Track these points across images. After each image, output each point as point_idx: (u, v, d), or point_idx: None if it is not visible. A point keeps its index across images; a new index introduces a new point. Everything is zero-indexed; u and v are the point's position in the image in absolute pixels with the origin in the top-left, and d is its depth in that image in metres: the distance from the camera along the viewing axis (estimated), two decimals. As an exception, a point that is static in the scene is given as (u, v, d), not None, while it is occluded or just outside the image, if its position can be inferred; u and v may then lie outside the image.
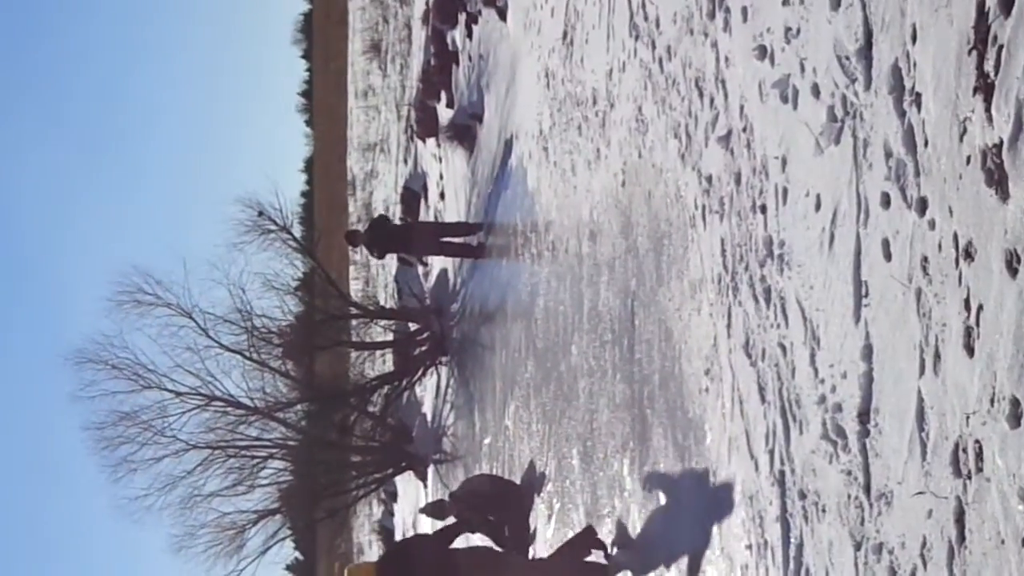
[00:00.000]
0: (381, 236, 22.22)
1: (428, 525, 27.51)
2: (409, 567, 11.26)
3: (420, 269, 35.07)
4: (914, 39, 5.07)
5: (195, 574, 31.27)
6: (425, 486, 29.53)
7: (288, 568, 61.17)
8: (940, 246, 4.75)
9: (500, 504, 15.23)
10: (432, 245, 24.26)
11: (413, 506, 31.89)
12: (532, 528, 14.39)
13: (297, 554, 64.49)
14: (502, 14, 23.23)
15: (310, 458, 31.38)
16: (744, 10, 7.79)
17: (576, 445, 12.29)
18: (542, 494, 13.89)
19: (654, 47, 10.47)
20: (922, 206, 4.92)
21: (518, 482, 15.37)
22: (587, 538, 10.90)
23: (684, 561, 8.41)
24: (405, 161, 41.91)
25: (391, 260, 42.60)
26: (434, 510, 17.41)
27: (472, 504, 15.84)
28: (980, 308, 4.42)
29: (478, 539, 14.15)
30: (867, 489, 5.41)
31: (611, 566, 10.28)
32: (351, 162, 66.75)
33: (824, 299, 6.03)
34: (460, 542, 12.91)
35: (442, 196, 31.70)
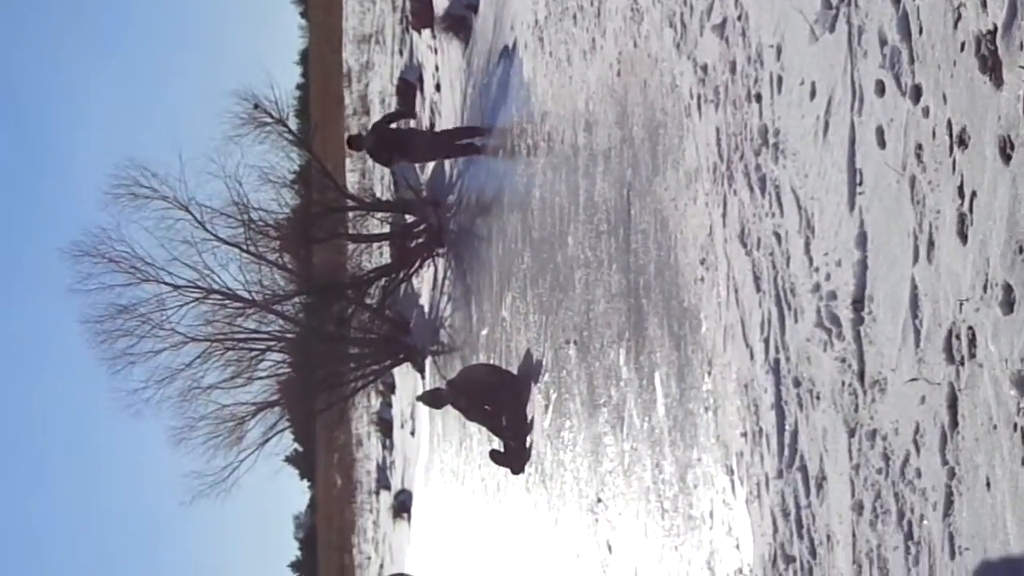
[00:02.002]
0: (383, 143, 22.07)
1: (426, 415, 27.76)
2: None
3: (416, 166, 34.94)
4: (910, -76, 5.03)
5: (195, 465, 31.55)
6: (423, 378, 29.72)
7: (287, 459, 61.73)
8: (934, 133, 4.74)
9: (497, 393, 15.36)
10: (433, 151, 24.17)
11: (411, 397, 32.11)
12: (529, 418, 14.51)
13: (296, 446, 65.12)
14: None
15: (308, 350, 31.52)
16: None
17: (573, 336, 12.35)
18: (539, 384, 13.98)
19: (649, -66, 10.37)
20: (916, 93, 4.91)
21: (515, 372, 15.48)
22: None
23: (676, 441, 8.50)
24: (401, 53, 41.58)
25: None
26: (431, 398, 17.57)
27: (469, 392, 15.99)
28: (974, 195, 4.42)
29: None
30: (861, 376, 5.45)
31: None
32: (346, 54, 66.20)
33: (819, 187, 6.03)
34: None
35: (438, 88, 31.50)
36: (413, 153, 23.57)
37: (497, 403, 15.30)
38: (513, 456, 14.90)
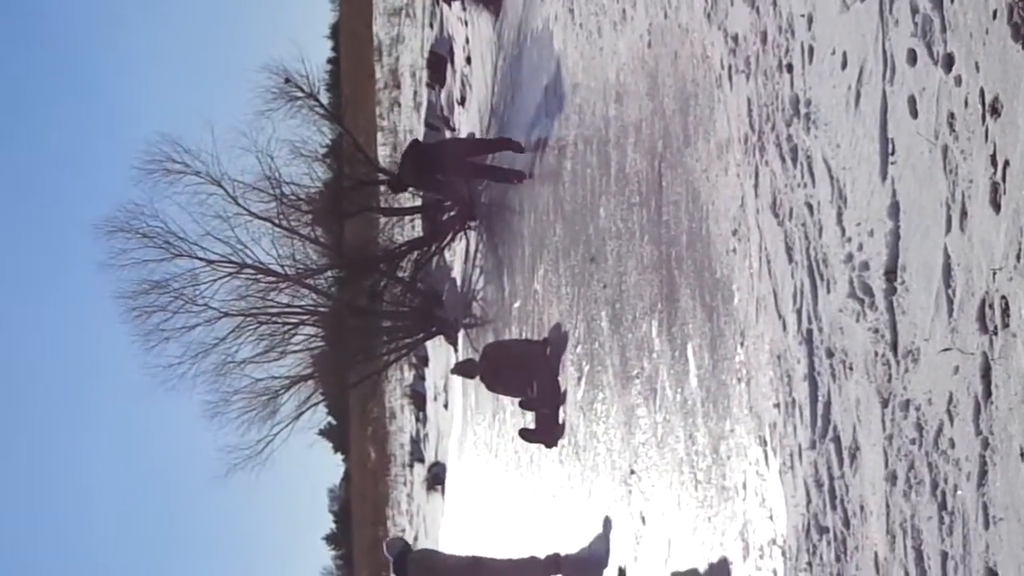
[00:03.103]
0: (419, 165, 21.27)
1: (459, 387, 27.80)
2: None
3: (447, 134, 34.94)
4: None
5: (230, 439, 31.70)
6: (456, 351, 29.78)
7: (321, 433, 61.90)
8: (966, 102, 4.71)
9: (530, 365, 15.38)
10: (469, 171, 22.97)
11: (444, 371, 32.18)
12: (562, 390, 14.51)
13: (330, 419, 65.30)
14: None
15: (341, 324, 31.57)
16: None
17: (605, 308, 12.35)
18: (572, 356, 13.98)
19: (679, -96, 10.31)
20: (948, 62, 4.88)
21: (548, 344, 15.49)
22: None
23: (712, 421, 8.50)
24: (431, 25, 41.54)
25: (418, 126, 42.50)
26: (464, 368, 17.61)
27: (500, 364, 16.02)
28: (1007, 164, 4.40)
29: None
30: (894, 346, 5.43)
31: None
32: (377, 27, 66.10)
33: (851, 157, 6.01)
34: None
35: (468, 61, 31.49)
36: (448, 167, 22.33)
37: (530, 375, 15.32)
38: (545, 431, 14.91)
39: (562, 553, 13.19)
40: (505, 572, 13.38)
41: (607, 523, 11.55)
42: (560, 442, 14.35)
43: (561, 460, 14.21)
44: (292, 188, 29.73)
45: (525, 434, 15.53)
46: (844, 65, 6.11)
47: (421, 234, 32.59)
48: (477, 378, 17.44)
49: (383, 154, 49.36)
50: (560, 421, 14.46)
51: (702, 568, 8.55)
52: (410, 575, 13.33)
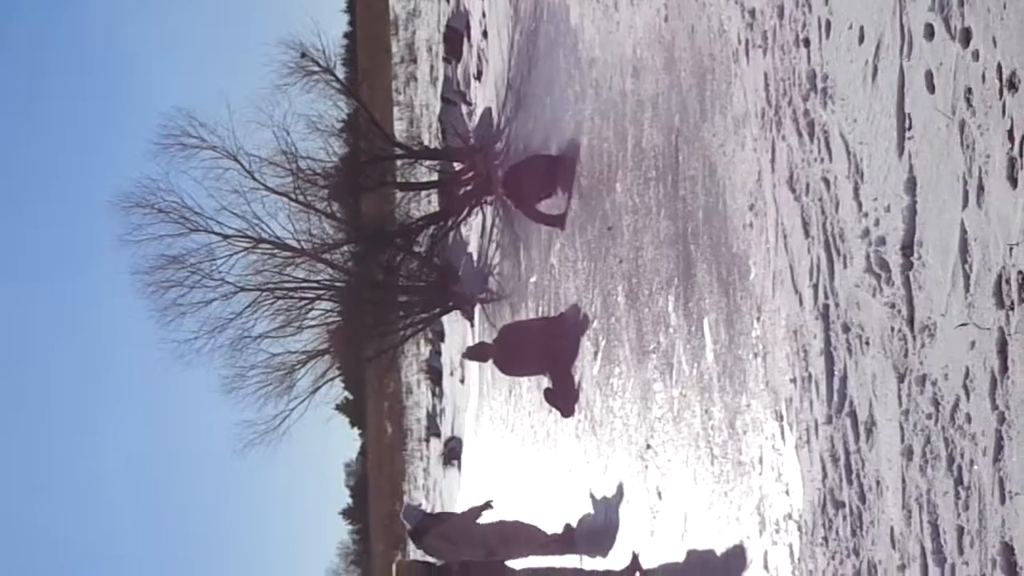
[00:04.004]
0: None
1: (475, 364, 27.79)
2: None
3: (464, 108, 34.93)
4: None
5: (247, 414, 31.82)
6: (472, 325, 29.80)
7: (338, 408, 62.10)
8: (984, 77, 4.70)
9: (546, 340, 15.39)
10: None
11: (460, 345, 32.20)
12: (577, 380, 14.50)
13: (347, 394, 65.44)
14: None
15: (357, 299, 31.64)
16: None
17: (621, 282, 12.35)
18: (588, 331, 13.99)
19: None
20: (966, 37, 4.86)
21: (564, 319, 15.49)
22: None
23: (728, 396, 8.50)
24: (447, 0, 41.48)
25: (435, 101, 42.47)
26: (476, 353, 17.62)
27: (514, 345, 16.02)
28: (1024, 139, 4.40)
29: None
30: (910, 321, 5.43)
31: None
32: (393, 1, 66.13)
33: (868, 132, 6.00)
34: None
35: (484, 35, 31.41)
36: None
37: (546, 351, 15.33)
38: (562, 397, 14.91)
39: (573, 525, 13.25)
40: (525, 541, 13.38)
41: (619, 490, 11.58)
42: (577, 416, 14.36)
43: (577, 435, 14.23)
44: (308, 163, 29.81)
45: (547, 393, 15.52)
46: (861, 39, 6.09)
47: (437, 209, 32.61)
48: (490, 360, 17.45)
49: (399, 129, 49.39)
50: (576, 386, 14.45)
51: (718, 542, 8.57)
52: (426, 544, 13.39)
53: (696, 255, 9.60)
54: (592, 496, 12.63)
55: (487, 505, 13.61)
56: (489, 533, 13.11)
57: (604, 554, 11.92)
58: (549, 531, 13.38)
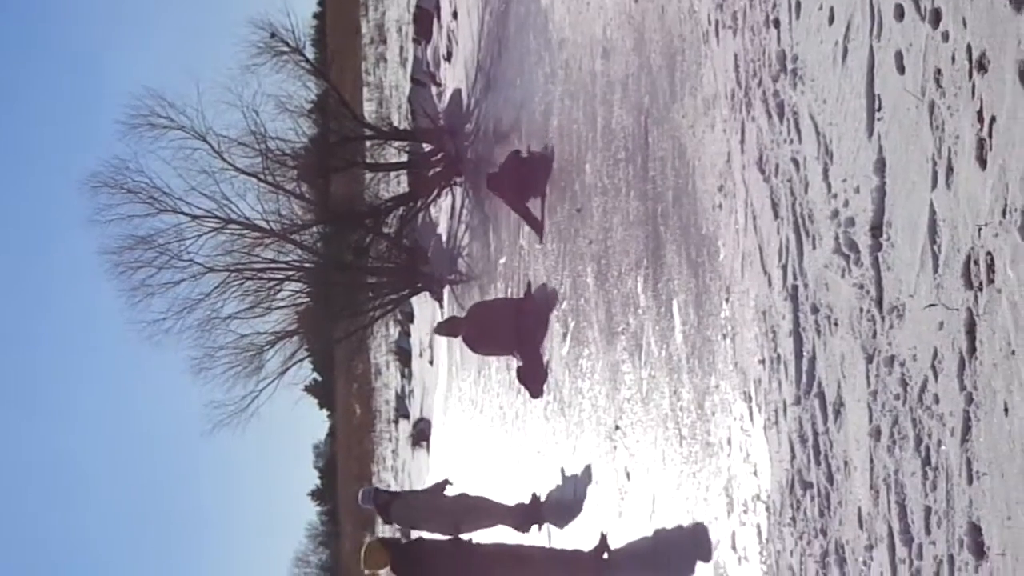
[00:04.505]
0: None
1: (444, 344, 27.78)
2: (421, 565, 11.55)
3: (434, 89, 34.88)
4: None
5: (215, 395, 31.77)
6: (441, 307, 29.77)
7: (306, 389, 62.03)
8: (953, 58, 4.70)
9: (515, 321, 15.39)
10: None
11: (429, 327, 32.19)
12: (545, 360, 14.50)
13: (315, 375, 65.43)
14: None
15: (326, 280, 31.62)
16: None
17: (591, 264, 12.35)
18: (557, 312, 13.99)
19: None
20: (936, 18, 4.86)
21: (533, 300, 15.48)
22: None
23: (697, 377, 8.52)
24: (417, -21, 41.34)
25: (404, 82, 42.35)
26: (447, 328, 17.57)
27: (484, 323, 16.01)
28: (993, 120, 4.40)
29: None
30: (879, 302, 5.44)
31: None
32: (363, -19, 65.94)
33: (837, 113, 6.00)
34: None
35: (455, 16, 31.34)
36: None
37: (516, 331, 15.33)
38: (530, 376, 14.93)
39: (542, 498, 13.30)
40: (490, 512, 13.41)
41: (587, 471, 11.62)
42: (545, 397, 14.37)
43: (546, 416, 14.24)
44: (277, 143, 29.73)
45: (518, 372, 15.51)
46: (831, 20, 6.09)
47: (407, 190, 32.56)
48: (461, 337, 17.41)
49: (369, 109, 49.26)
50: (544, 366, 14.45)
51: (686, 523, 8.59)
52: (394, 515, 13.49)
53: (665, 236, 9.60)
54: (562, 472, 12.66)
55: (446, 482, 13.67)
56: (454, 504, 13.16)
57: (570, 524, 11.99)
58: (515, 501, 13.43)
